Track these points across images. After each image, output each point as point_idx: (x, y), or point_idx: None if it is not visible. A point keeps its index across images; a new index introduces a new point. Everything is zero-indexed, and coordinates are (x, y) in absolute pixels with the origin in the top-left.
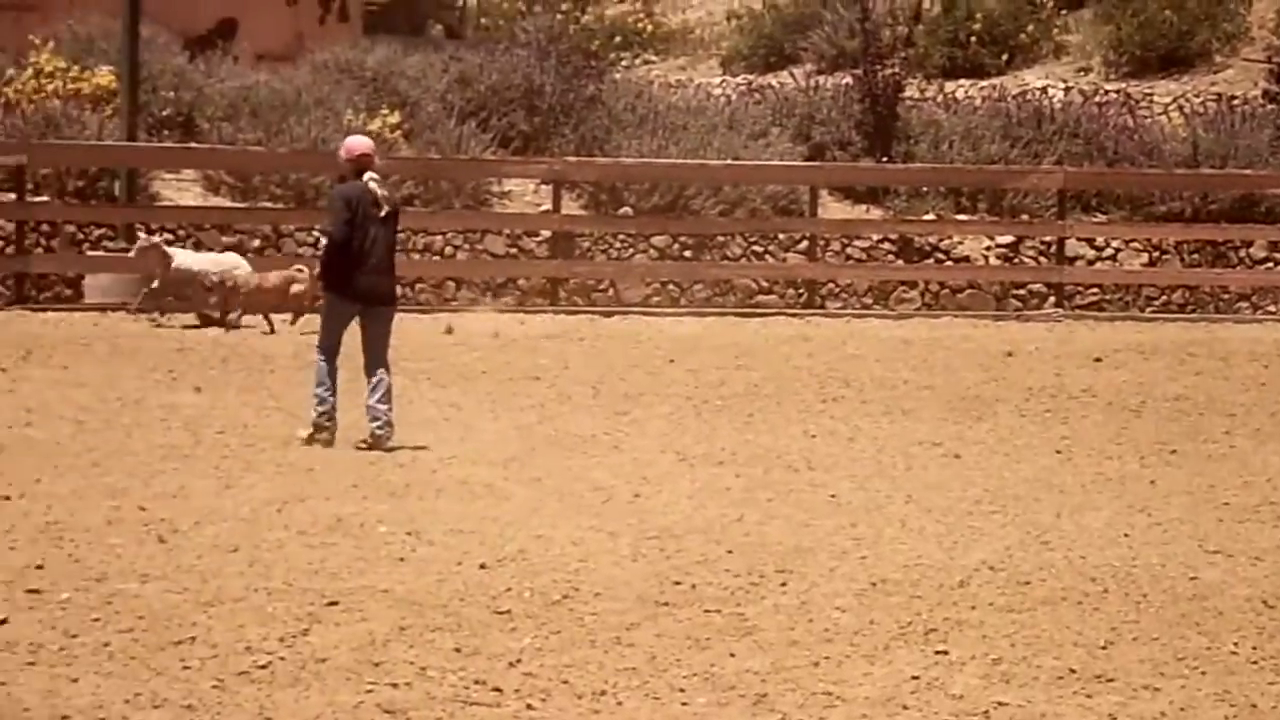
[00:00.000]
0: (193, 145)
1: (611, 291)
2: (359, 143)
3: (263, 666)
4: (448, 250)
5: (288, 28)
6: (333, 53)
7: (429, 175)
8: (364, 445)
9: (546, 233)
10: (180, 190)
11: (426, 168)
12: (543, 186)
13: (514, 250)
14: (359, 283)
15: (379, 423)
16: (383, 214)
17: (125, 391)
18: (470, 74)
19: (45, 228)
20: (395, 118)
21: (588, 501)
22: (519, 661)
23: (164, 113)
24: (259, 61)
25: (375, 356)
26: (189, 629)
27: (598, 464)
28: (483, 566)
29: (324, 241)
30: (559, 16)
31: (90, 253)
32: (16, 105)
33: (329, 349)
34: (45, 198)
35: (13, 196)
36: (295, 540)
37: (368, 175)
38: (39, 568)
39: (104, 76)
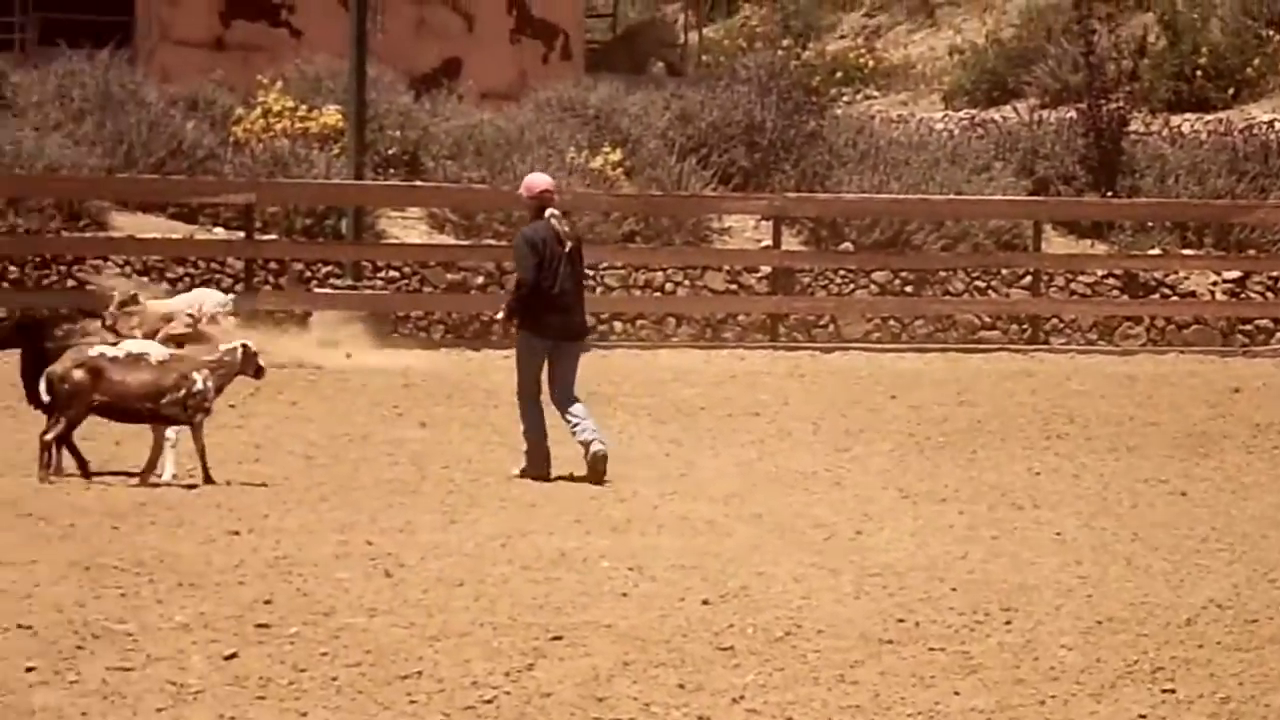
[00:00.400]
0: (418, 183)
1: (832, 327)
2: (539, 180)
3: (488, 701)
4: (668, 286)
5: (511, 66)
6: (556, 91)
7: (650, 212)
8: (583, 478)
9: (767, 268)
10: (405, 228)
11: (647, 204)
12: (763, 222)
13: (734, 286)
14: (551, 321)
15: (593, 439)
16: (566, 249)
17: (352, 427)
18: (691, 111)
19: (273, 265)
20: (617, 155)
21: (809, 538)
22: (742, 698)
23: (390, 151)
24: (483, 100)
25: (566, 389)
26: (415, 663)
27: (819, 500)
28: (705, 602)
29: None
30: (780, 53)
31: (317, 289)
32: (245, 144)
33: (531, 391)
34: (273, 236)
35: (241, 235)
36: (519, 575)
37: (549, 212)
38: (268, 602)
39: (331, 116)
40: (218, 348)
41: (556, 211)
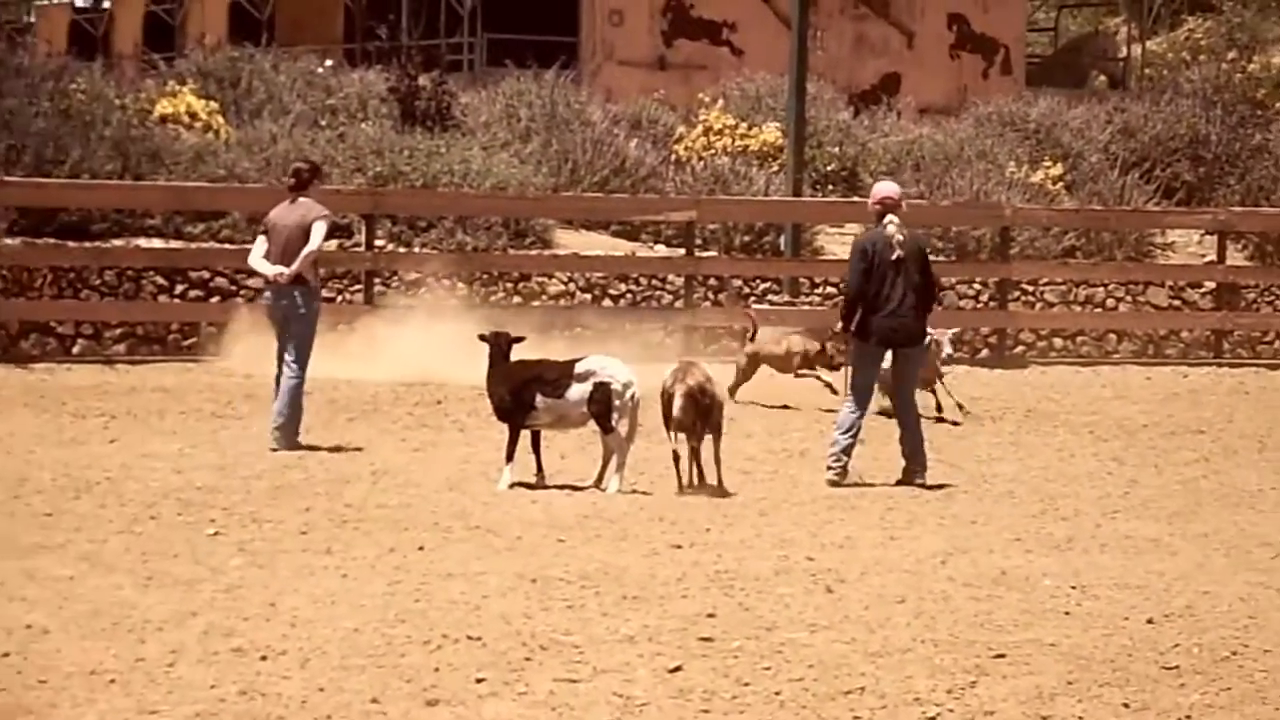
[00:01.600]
0: (855, 199)
1: (1278, 344)
2: (883, 188)
3: (931, 718)
4: (1109, 302)
5: (951, 81)
6: (996, 105)
7: (1091, 226)
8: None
9: (1211, 284)
10: (843, 244)
11: (1089, 219)
12: (1207, 237)
13: (1177, 302)
14: (878, 326)
15: (917, 466)
16: (894, 257)
17: (791, 442)
18: (1134, 124)
19: (712, 281)
20: (1057, 169)
21: (1256, 557)
22: (1188, 718)
23: (828, 167)
24: (921, 115)
25: (902, 399)
26: (858, 679)
27: (1266, 518)
28: (1150, 622)
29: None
30: (1225, 65)
31: (756, 306)
32: (686, 162)
33: (860, 395)
34: (713, 252)
35: (682, 251)
36: (960, 592)
37: (888, 219)
38: (710, 616)
39: (771, 133)
40: None
41: (896, 220)
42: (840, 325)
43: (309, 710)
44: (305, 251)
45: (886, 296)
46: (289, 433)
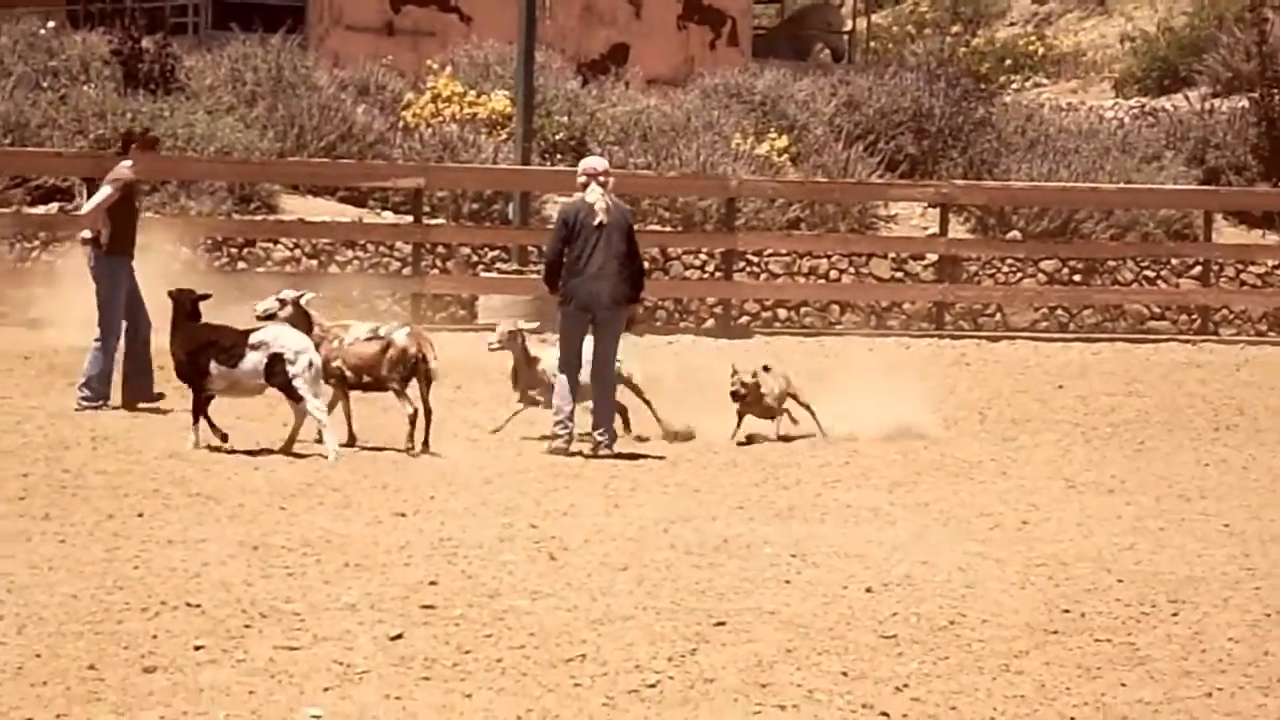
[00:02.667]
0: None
1: (999, 316)
2: (589, 162)
3: (651, 685)
4: (832, 274)
5: (678, 52)
6: (722, 77)
7: (816, 198)
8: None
9: (933, 256)
10: None
11: (813, 191)
12: (930, 210)
13: (899, 274)
14: (579, 290)
15: (605, 437)
16: (596, 222)
17: (515, 409)
18: (859, 97)
19: (441, 249)
20: (783, 141)
21: (974, 528)
22: (906, 686)
23: (557, 136)
24: (649, 86)
25: (597, 367)
26: (579, 646)
27: (984, 490)
28: (868, 590)
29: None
30: (949, 39)
31: (484, 274)
32: (415, 129)
33: (569, 361)
34: (441, 220)
35: (410, 219)
36: (682, 560)
37: (591, 187)
38: (433, 584)
39: (499, 101)
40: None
41: (599, 189)
42: (547, 290)
43: (25, 676)
44: (83, 210)
45: (587, 261)
46: (86, 393)
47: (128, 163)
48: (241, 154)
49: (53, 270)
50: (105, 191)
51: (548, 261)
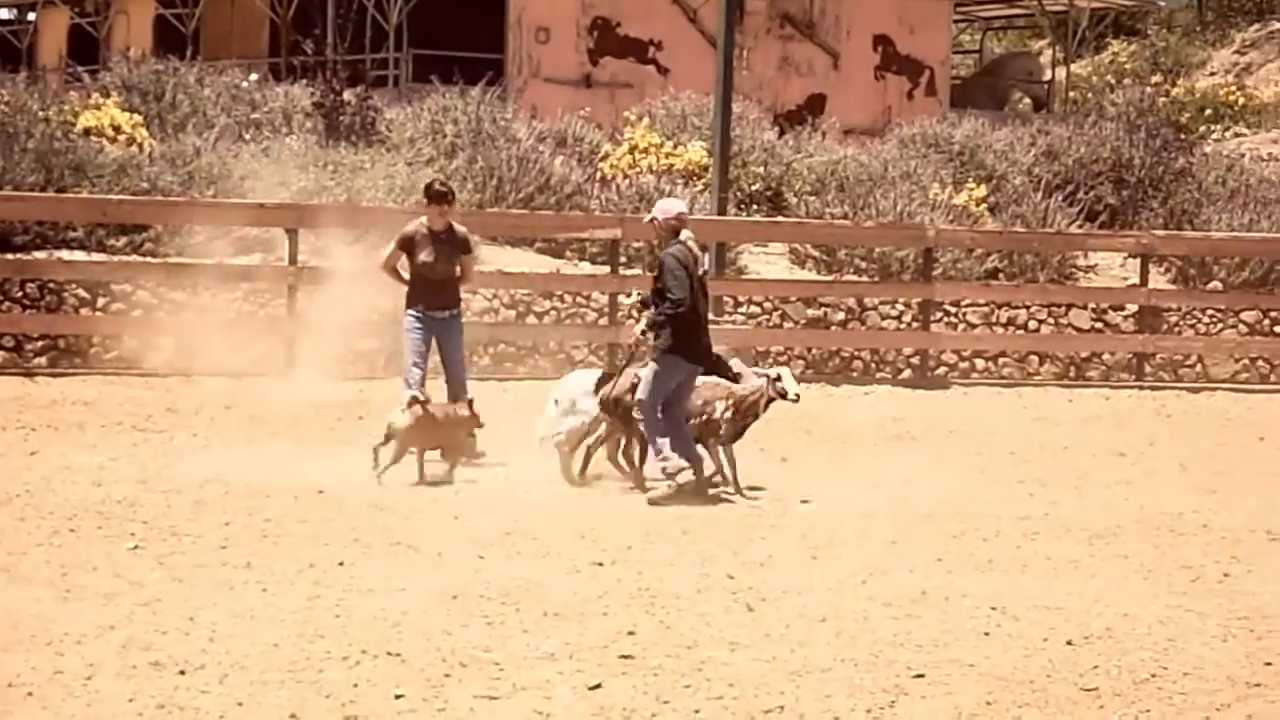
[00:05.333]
0: (780, 219)
1: (1199, 367)
2: (670, 205)
3: None
4: (1031, 324)
5: (876, 102)
6: (920, 126)
7: (1014, 248)
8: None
9: (1133, 307)
10: (767, 263)
11: (1012, 240)
12: (1130, 260)
13: (1099, 324)
14: (692, 344)
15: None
16: (702, 271)
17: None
18: (1058, 147)
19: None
20: (981, 191)
21: (1176, 580)
22: None
23: (753, 187)
24: (846, 136)
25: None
26: (777, 697)
27: (1185, 542)
28: (1069, 643)
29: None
30: (1149, 89)
31: None
32: (612, 180)
33: (653, 406)
34: (637, 270)
35: (607, 269)
36: (880, 612)
37: (684, 234)
38: (631, 634)
39: (696, 152)
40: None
41: (691, 234)
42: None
43: None
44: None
45: (703, 311)
46: None
47: (421, 219)
48: None
49: (253, 320)
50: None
51: (677, 307)
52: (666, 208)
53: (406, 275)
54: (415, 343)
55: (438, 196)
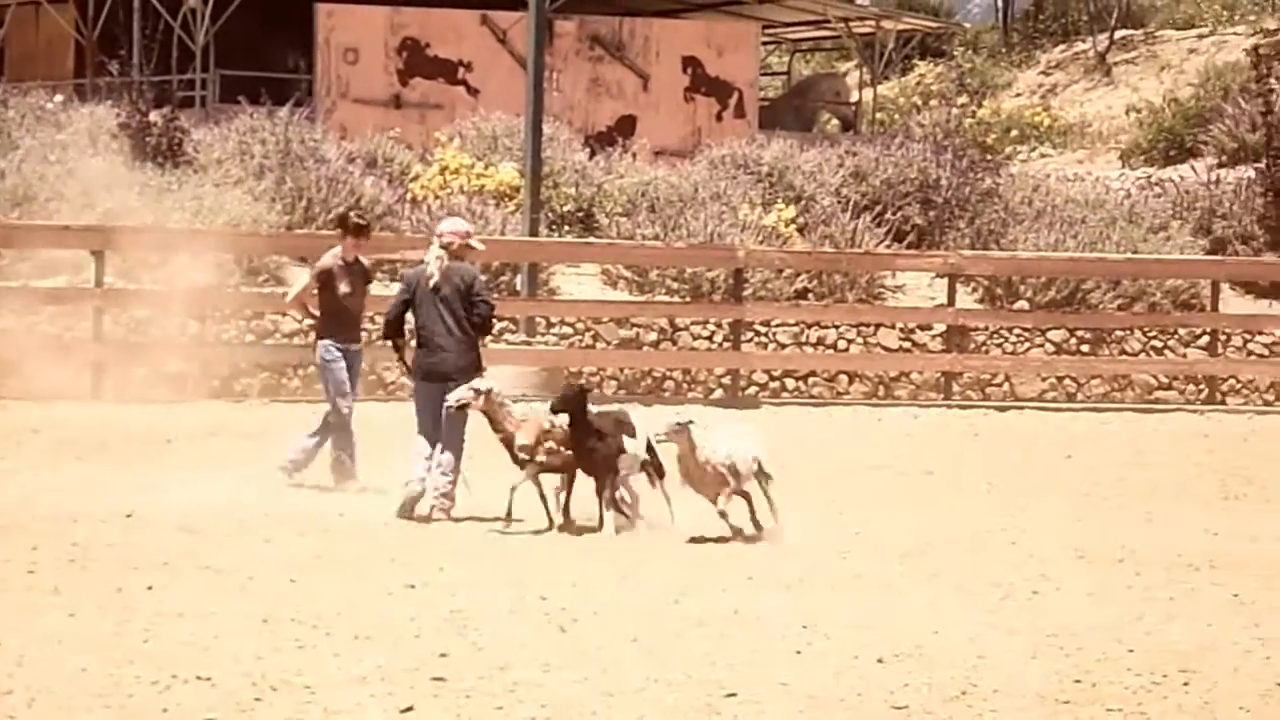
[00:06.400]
0: (591, 240)
1: (1007, 386)
2: (445, 225)
3: None
4: (840, 344)
5: (685, 124)
6: (729, 148)
7: (823, 268)
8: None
9: (941, 326)
10: (579, 284)
11: (820, 261)
12: (938, 280)
13: (907, 344)
14: (421, 361)
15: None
16: (432, 286)
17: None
18: (865, 168)
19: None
20: (790, 212)
21: (985, 598)
22: None
23: (564, 208)
24: (657, 157)
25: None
26: (590, 718)
27: (994, 560)
28: (880, 661)
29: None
30: (954, 110)
31: (491, 345)
32: (422, 201)
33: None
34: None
35: None
36: (693, 631)
37: (434, 253)
38: (443, 656)
39: (507, 173)
40: None
41: (442, 254)
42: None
43: None
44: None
45: (430, 330)
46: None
47: (334, 250)
48: (249, 227)
49: (61, 343)
50: (303, 280)
51: (388, 323)
52: (442, 228)
53: (314, 309)
54: (338, 374)
55: (356, 230)
